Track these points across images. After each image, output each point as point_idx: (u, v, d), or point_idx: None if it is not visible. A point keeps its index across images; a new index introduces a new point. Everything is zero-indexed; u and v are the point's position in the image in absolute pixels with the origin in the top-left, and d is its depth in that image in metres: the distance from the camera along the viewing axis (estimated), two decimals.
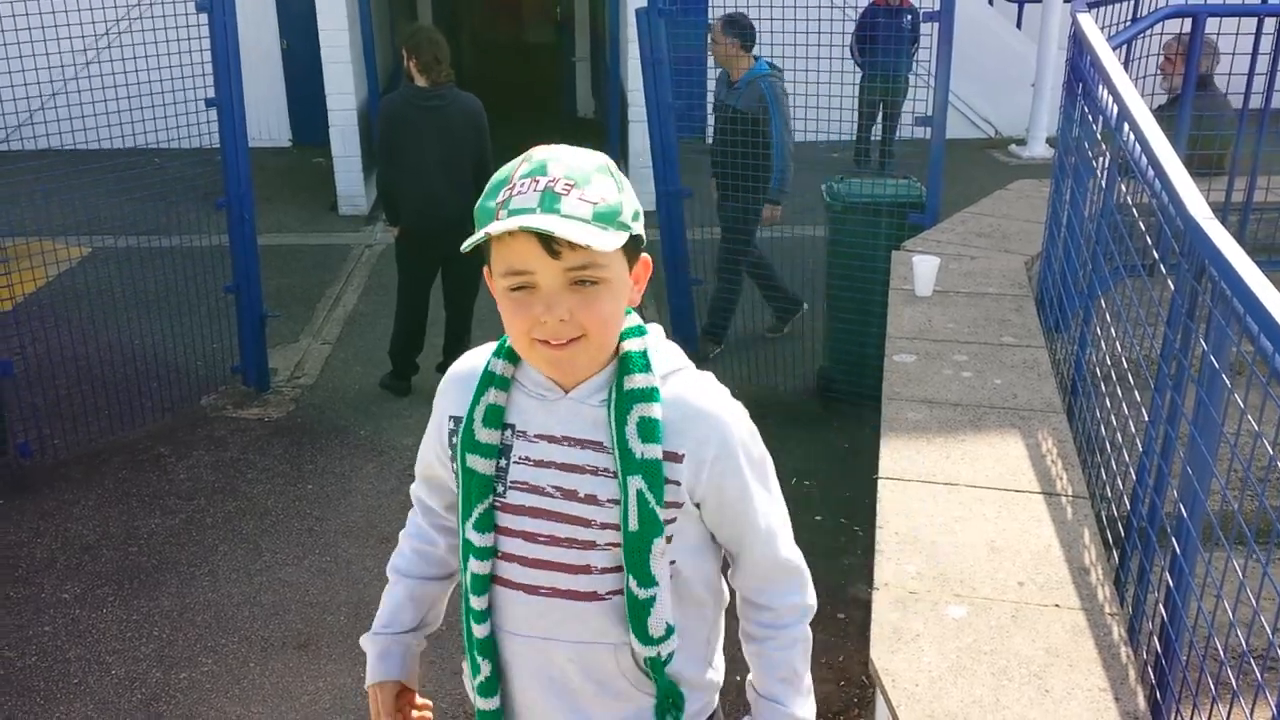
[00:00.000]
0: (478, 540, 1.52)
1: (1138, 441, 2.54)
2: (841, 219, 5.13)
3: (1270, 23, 4.29)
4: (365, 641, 1.73)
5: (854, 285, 5.03)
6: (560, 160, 1.39)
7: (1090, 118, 3.40)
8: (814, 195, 5.28)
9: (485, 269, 1.47)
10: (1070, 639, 2.23)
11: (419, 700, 1.73)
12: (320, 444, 5.15)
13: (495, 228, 1.35)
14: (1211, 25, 4.34)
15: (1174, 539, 2.14)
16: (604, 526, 1.48)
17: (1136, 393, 2.61)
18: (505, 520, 1.52)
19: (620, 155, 9.11)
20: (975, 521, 2.65)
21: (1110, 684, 2.10)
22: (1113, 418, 2.77)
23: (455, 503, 1.59)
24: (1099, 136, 3.29)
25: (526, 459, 1.50)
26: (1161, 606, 2.22)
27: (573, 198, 1.35)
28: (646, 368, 1.48)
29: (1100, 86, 3.21)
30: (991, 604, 2.35)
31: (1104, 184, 3.18)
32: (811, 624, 1.64)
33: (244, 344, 5.57)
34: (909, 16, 8.22)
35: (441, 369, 4.38)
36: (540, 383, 1.50)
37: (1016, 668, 2.15)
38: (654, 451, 1.45)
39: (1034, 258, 4.47)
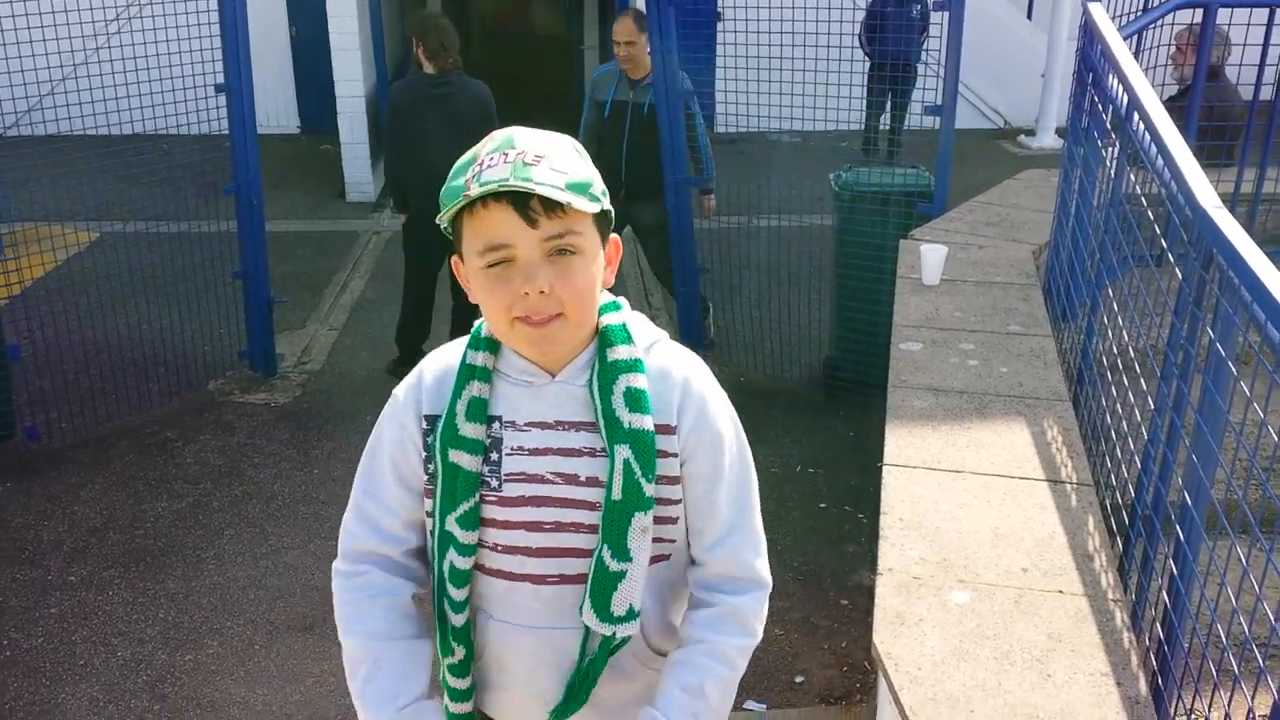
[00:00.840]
0: (463, 537, 1.49)
1: (1143, 430, 2.54)
2: (850, 208, 5.12)
3: None
4: None
5: (861, 274, 5.02)
6: (526, 136, 1.39)
7: (1100, 107, 3.39)
8: (822, 184, 5.27)
9: (453, 259, 1.44)
10: (1073, 624, 2.23)
11: None
12: (326, 429, 5.16)
13: (474, 192, 1.33)
14: (1223, 16, 4.33)
15: (1178, 526, 2.14)
16: None
17: (1143, 381, 2.61)
18: (504, 514, 1.49)
19: None
20: (980, 508, 2.65)
21: (1112, 669, 2.10)
22: (1119, 406, 2.77)
23: (416, 516, 1.56)
24: (1109, 126, 3.28)
25: (520, 449, 1.48)
26: (1164, 593, 2.23)
27: (543, 167, 1.34)
28: (628, 339, 1.48)
29: (1111, 76, 3.20)
30: (995, 590, 2.35)
31: (1113, 173, 3.17)
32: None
33: (251, 329, 5.59)
34: (918, 6, 8.20)
35: None
36: (525, 369, 1.48)
37: (1019, 652, 2.16)
38: (643, 422, 1.43)
39: (1041, 247, 4.47)
